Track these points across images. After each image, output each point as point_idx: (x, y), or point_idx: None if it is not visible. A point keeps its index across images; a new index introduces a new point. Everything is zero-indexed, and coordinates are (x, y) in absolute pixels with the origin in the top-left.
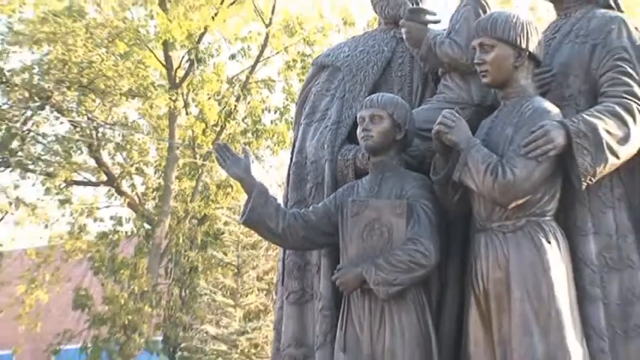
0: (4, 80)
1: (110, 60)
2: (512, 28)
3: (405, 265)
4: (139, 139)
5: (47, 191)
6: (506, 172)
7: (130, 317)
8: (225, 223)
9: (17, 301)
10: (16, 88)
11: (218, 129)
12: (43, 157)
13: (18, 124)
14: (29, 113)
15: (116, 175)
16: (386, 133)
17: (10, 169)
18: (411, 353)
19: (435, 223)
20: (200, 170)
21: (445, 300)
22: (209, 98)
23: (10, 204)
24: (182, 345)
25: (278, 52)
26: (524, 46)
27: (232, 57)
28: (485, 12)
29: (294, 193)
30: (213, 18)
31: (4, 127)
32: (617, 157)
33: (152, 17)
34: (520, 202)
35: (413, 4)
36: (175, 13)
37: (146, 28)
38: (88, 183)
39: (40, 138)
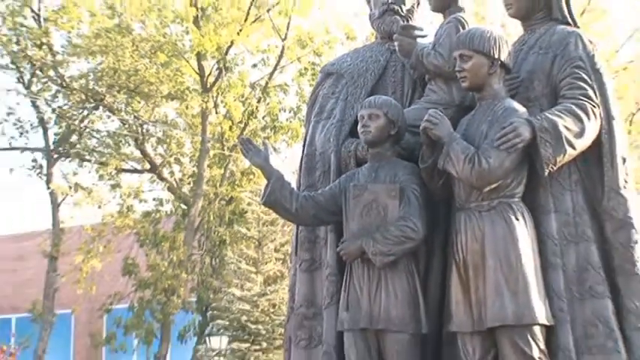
0: (64, 85)
1: (153, 68)
2: (486, 41)
3: (398, 239)
4: (176, 134)
5: (100, 177)
6: (482, 161)
7: (169, 282)
8: (249, 204)
9: (76, 268)
10: (75, 92)
11: (242, 126)
12: (97, 149)
13: (76, 122)
14: (85, 113)
15: (158, 164)
16: (382, 129)
17: (70, 159)
18: (402, 312)
19: (422, 204)
20: (227, 160)
21: (431, 268)
22: (235, 100)
23: (70, 188)
24: (213, 305)
25: (292, 62)
26: (496, 56)
27: (254, 66)
28: (464, 28)
29: (306, 178)
30: (238, 33)
31: (64, 124)
32: (574, 148)
33: (187, 33)
34: (493, 186)
35: (404, 22)
36: (207, 30)
37: (182, 41)
38: (135, 171)
39: (94, 133)
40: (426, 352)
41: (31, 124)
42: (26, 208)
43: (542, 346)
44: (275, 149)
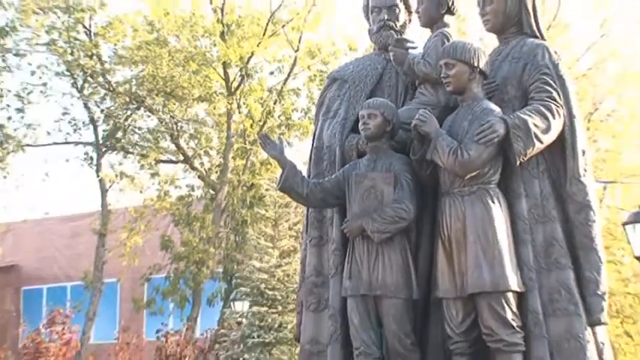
0: (111, 89)
1: (185, 75)
2: (467, 52)
3: (393, 219)
4: (206, 130)
5: (142, 167)
6: (464, 154)
7: (199, 255)
8: (267, 189)
9: (121, 244)
10: (120, 95)
11: (261, 123)
12: (139, 144)
13: (121, 120)
14: (129, 112)
15: (190, 156)
16: (379, 126)
17: (116, 151)
18: (397, 281)
19: (413, 189)
20: (249, 152)
21: (421, 243)
22: (255, 102)
23: (116, 176)
24: (236, 275)
25: (303, 70)
26: (476, 64)
27: (271, 73)
28: (448, 40)
29: (314, 168)
30: (257, 46)
31: (111, 122)
32: (542, 142)
33: (215, 45)
34: (473, 174)
35: (398, 36)
36: (231, 43)
37: (211, 52)
38: (170, 161)
39: (136, 130)
40: (416, 315)
41: (83, 123)
42: (79, 193)
43: (515, 309)
44: (289, 143)
